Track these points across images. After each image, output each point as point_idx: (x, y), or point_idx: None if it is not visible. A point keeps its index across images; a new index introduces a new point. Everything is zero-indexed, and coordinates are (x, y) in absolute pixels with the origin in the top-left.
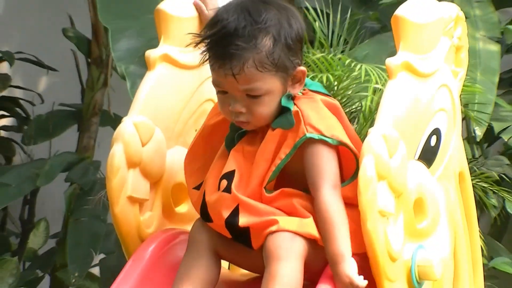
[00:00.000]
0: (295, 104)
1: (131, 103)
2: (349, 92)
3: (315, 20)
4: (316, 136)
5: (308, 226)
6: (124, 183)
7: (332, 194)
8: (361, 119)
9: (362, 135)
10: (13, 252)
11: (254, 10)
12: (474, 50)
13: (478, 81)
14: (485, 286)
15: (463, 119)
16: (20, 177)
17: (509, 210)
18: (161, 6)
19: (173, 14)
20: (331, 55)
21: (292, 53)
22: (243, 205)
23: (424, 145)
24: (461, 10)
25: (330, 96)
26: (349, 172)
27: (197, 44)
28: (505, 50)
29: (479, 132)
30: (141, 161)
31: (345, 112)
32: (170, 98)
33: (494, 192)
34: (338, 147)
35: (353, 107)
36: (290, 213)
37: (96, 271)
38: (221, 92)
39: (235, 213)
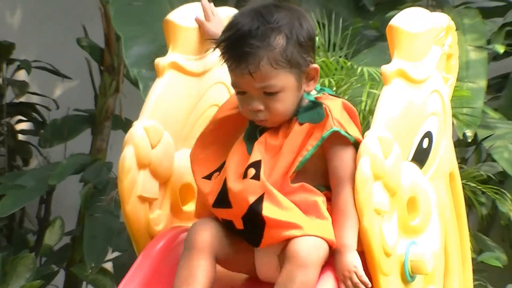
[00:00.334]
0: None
1: (141, 108)
2: (346, 97)
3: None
4: (342, 131)
5: (329, 230)
6: (135, 183)
7: (352, 192)
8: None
9: None
10: (30, 249)
11: (266, 12)
12: (463, 57)
13: (467, 87)
14: (474, 280)
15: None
16: (36, 179)
17: (500, 208)
18: (169, 17)
19: (181, 24)
20: (332, 59)
21: (304, 50)
22: (268, 194)
23: (417, 147)
24: (452, 20)
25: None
26: None
27: (215, 48)
28: (491, 58)
29: (469, 133)
30: (150, 163)
31: None
32: (178, 103)
33: (483, 192)
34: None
35: None
36: (307, 209)
37: (109, 266)
38: (240, 92)
39: (259, 200)
